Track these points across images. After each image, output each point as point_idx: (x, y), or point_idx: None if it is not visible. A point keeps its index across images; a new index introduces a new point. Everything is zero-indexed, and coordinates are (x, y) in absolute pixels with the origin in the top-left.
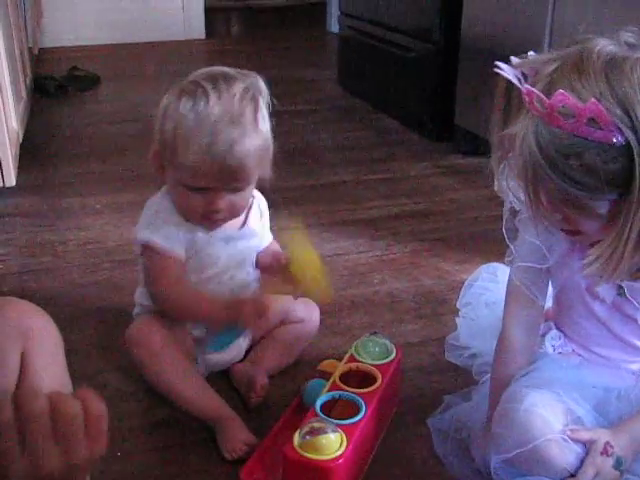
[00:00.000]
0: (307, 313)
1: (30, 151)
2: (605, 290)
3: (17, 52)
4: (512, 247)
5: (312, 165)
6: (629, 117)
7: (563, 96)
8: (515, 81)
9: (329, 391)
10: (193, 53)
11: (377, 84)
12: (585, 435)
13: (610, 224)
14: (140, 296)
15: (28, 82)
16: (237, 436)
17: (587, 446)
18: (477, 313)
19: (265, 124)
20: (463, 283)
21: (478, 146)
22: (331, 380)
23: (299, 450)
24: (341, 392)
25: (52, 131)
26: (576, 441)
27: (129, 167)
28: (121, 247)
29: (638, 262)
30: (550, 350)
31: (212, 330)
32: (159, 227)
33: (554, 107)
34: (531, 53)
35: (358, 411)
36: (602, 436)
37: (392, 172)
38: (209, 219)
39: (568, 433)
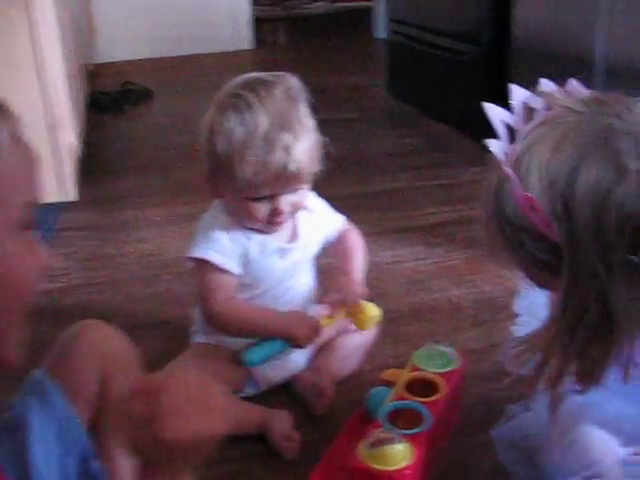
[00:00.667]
0: None
1: (88, 166)
2: None
3: (74, 69)
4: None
5: (365, 173)
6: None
7: (529, 198)
8: (496, 126)
9: (393, 400)
10: (242, 64)
11: (427, 89)
12: None
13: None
14: (198, 314)
15: (84, 98)
16: (279, 436)
17: None
18: (535, 318)
19: (310, 120)
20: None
21: None
22: (395, 389)
23: (365, 461)
24: (406, 401)
25: (108, 145)
26: None
27: (185, 179)
28: (180, 259)
29: None
30: None
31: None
32: (213, 244)
33: (524, 202)
34: (544, 81)
35: (423, 420)
36: None
37: (446, 178)
38: (274, 224)
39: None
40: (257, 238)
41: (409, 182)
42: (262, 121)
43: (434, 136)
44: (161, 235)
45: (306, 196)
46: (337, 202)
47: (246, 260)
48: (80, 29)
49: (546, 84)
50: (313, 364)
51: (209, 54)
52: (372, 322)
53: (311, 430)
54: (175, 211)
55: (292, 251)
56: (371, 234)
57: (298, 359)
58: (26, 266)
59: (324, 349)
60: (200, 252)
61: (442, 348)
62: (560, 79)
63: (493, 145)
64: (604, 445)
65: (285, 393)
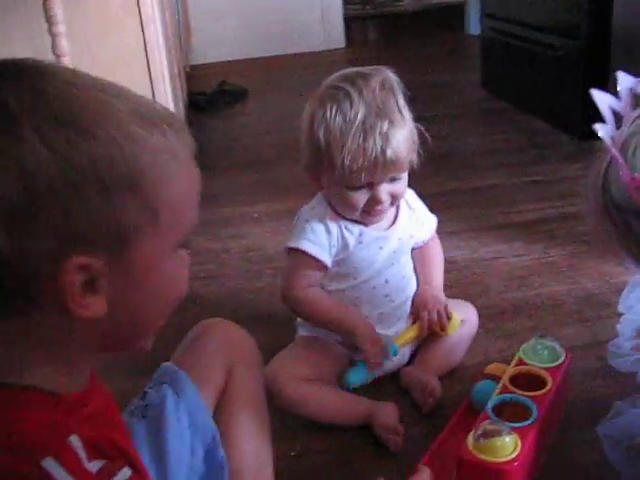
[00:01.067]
0: (465, 314)
1: None
2: None
3: (176, 70)
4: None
5: (461, 170)
6: None
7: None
8: (603, 112)
9: (500, 394)
10: (334, 62)
11: (522, 85)
12: None
13: None
14: None
15: (184, 98)
16: (385, 429)
17: None
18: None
19: (407, 111)
20: (624, 284)
21: None
22: (501, 383)
23: (474, 452)
24: (512, 395)
25: (206, 144)
26: None
27: (282, 176)
28: (281, 254)
29: None
30: None
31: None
32: (309, 234)
33: (633, 184)
34: None
35: (530, 414)
36: None
37: (544, 174)
38: (373, 213)
39: None
40: (355, 229)
41: (506, 179)
42: (360, 109)
43: (530, 132)
44: (262, 231)
45: (404, 187)
46: (433, 199)
47: (344, 250)
48: (178, 30)
49: None
50: (418, 358)
51: (301, 53)
52: (453, 328)
53: (415, 423)
54: (273, 207)
55: (389, 239)
56: (469, 230)
57: (403, 352)
58: (182, 279)
59: (427, 342)
60: (295, 242)
61: (549, 342)
62: None
63: (601, 129)
64: None
65: (391, 385)
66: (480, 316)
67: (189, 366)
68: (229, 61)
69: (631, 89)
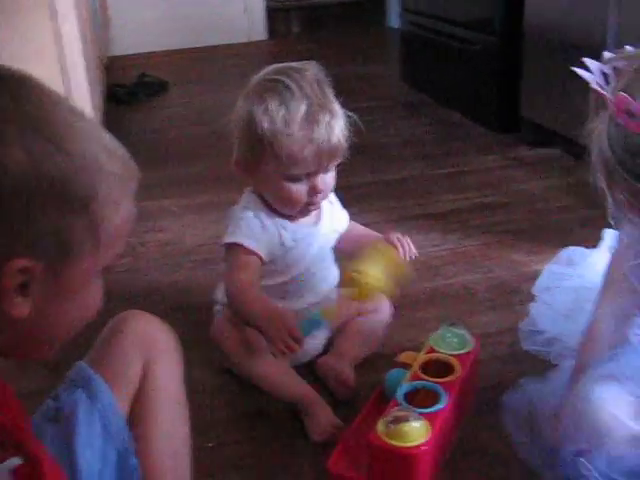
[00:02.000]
0: (377, 303)
1: None
2: None
3: (92, 62)
4: (619, 233)
5: (380, 161)
6: None
7: (623, 98)
8: (591, 80)
9: (410, 381)
10: (257, 54)
11: (441, 78)
12: None
13: None
14: (221, 294)
15: (102, 90)
16: (326, 419)
17: None
18: (554, 298)
19: (337, 103)
20: (535, 273)
21: (545, 136)
22: (411, 370)
23: (384, 438)
24: (422, 382)
25: (126, 137)
26: None
27: (202, 169)
28: (200, 247)
29: None
30: (632, 338)
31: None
32: (245, 229)
33: (620, 107)
34: (628, 48)
35: (439, 400)
36: None
37: (460, 166)
38: (310, 205)
39: None
40: (289, 226)
41: (423, 170)
42: (302, 100)
43: (447, 125)
44: (180, 225)
45: (334, 178)
46: (352, 190)
47: (280, 248)
48: (95, 20)
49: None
50: (333, 348)
51: (223, 45)
52: (372, 292)
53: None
54: (194, 201)
55: (318, 235)
56: (386, 222)
57: (317, 341)
58: (98, 302)
59: (342, 331)
60: (231, 237)
61: (457, 330)
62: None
63: (591, 79)
64: (613, 420)
65: (309, 375)
66: (394, 306)
67: (104, 365)
68: (150, 52)
69: (601, 70)
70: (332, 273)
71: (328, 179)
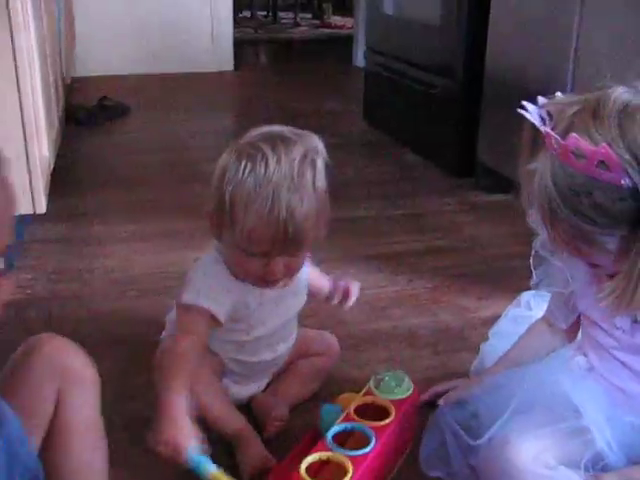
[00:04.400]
0: (326, 347)
1: (60, 179)
2: (621, 320)
3: (52, 81)
4: (534, 273)
5: (336, 199)
6: (637, 161)
7: (576, 139)
8: (537, 122)
9: (343, 422)
10: (222, 84)
11: (402, 119)
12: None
13: (623, 259)
14: (172, 324)
15: (60, 111)
16: (257, 454)
17: None
18: (504, 339)
19: (322, 185)
20: (482, 319)
21: (500, 183)
22: (346, 412)
23: (305, 477)
24: (353, 424)
25: (82, 160)
26: None
27: (156, 197)
28: (146, 276)
29: None
30: (576, 371)
31: None
32: (206, 291)
33: (568, 148)
34: (558, 94)
35: (368, 443)
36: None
37: (415, 208)
38: (265, 282)
39: None
40: (256, 289)
41: (378, 210)
42: (273, 177)
43: (407, 166)
44: (129, 251)
45: (302, 262)
46: None
47: (244, 310)
48: (58, 40)
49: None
50: (271, 386)
51: (189, 73)
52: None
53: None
54: (143, 228)
55: (287, 297)
56: (334, 260)
57: (259, 382)
58: None
59: (284, 373)
60: (192, 299)
61: (398, 375)
62: None
63: (536, 120)
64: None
65: (245, 413)
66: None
67: (13, 393)
68: (113, 75)
69: (539, 113)
70: (292, 334)
71: (292, 262)
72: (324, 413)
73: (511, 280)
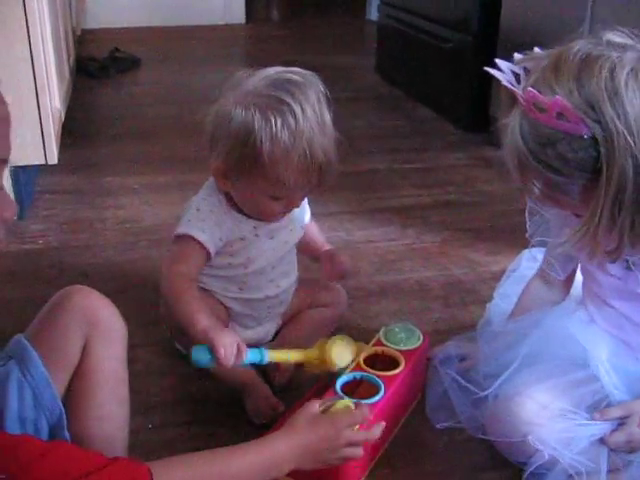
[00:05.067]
0: (333, 297)
1: (71, 130)
2: (615, 267)
3: (62, 33)
4: (528, 224)
5: (347, 152)
6: (594, 112)
7: (533, 93)
8: (504, 79)
9: (352, 372)
10: (233, 38)
11: (414, 73)
12: (616, 413)
13: (587, 206)
14: None
15: (71, 63)
16: (265, 401)
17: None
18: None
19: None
20: (492, 273)
21: None
22: (355, 361)
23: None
24: (362, 373)
25: (93, 111)
26: (607, 420)
27: (167, 149)
28: (157, 226)
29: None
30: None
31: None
32: (198, 222)
33: (529, 102)
34: (536, 49)
35: (377, 393)
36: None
37: (426, 162)
38: (275, 216)
39: (598, 416)
40: (250, 222)
41: (388, 164)
42: (304, 128)
43: (417, 120)
44: (140, 202)
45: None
46: None
47: (240, 242)
48: None
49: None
50: (279, 337)
51: (200, 26)
52: (323, 368)
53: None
54: (155, 180)
55: (282, 230)
56: (346, 213)
57: (266, 330)
58: None
59: (292, 322)
60: (184, 229)
61: (408, 326)
62: None
63: (502, 77)
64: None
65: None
66: (347, 297)
67: (42, 339)
68: (125, 28)
69: (511, 70)
70: (294, 269)
71: (304, 198)
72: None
73: (521, 235)
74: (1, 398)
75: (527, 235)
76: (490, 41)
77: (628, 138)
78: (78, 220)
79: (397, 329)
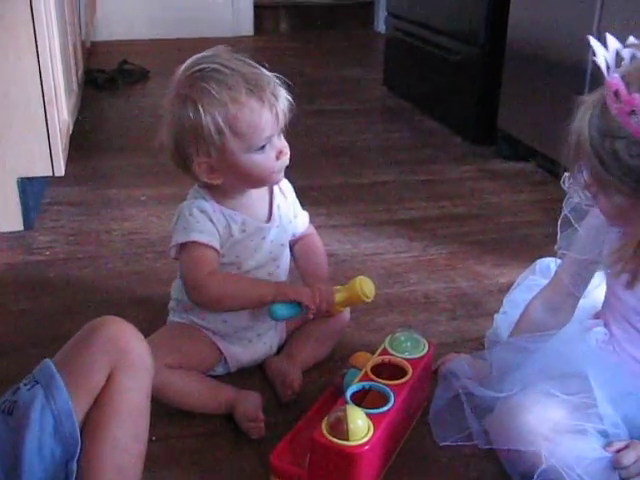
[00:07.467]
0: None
1: (79, 142)
2: None
3: (70, 46)
4: (559, 236)
5: (354, 164)
6: None
7: (617, 80)
8: (599, 53)
9: (360, 381)
10: (241, 50)
11: (422, 86)
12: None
13: (625, 218)
14: (175, 290)
15: (80, 75)
16: (252, 408)
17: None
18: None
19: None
20: (498, 286)
21: (519, 150)
22: (363, 371)
23: (327, 435)
24: (371, 383)
25: (101, 123)
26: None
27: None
28: (163, 238)
29: None
30: (593, 343)
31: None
32: (195, 225)
33: (610, 88)
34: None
35: (387, 402)
36: None
37: (433, 174)
38: (281, 165)
39: (607, 449)
40: (238, 218)
41: (396, 176)
42: (237, 75)
43: (425, 132)
44: (146, 214)
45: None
46: (324, 191)
47: (229, 239)
48: (78, 5)
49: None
50: (285, 350)
51: (209, 38)
52: (356, 301)
53: (278, 412)
54: (161, 191)
55: (270, 230)
56: (353, 225)
57: (270, 343)
58: None
59: (296, 334)
60: (183, 237)
61: (413, 335)
62: (552, 83)
63: (599, 52)
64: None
65: (258, 375)
66: (352, 310)
67: (69, 367)
68: (133, 40)
69: (617, 51)
70: (286, 271)
71: (283, 142)
72: (349, 378)
73: (528, 248)
74: (24, 421)
75: (555, 247)
76: (498, 53)
77: None
78: (85, 232)
79: (402, 338)
